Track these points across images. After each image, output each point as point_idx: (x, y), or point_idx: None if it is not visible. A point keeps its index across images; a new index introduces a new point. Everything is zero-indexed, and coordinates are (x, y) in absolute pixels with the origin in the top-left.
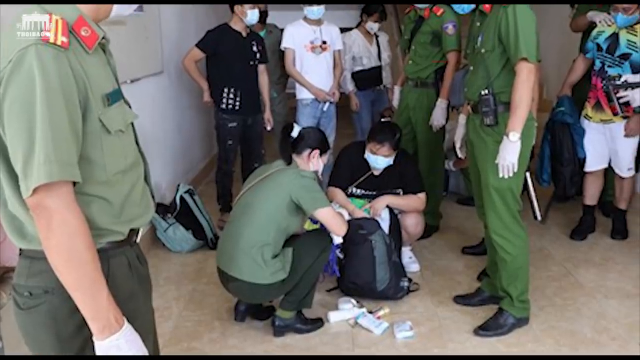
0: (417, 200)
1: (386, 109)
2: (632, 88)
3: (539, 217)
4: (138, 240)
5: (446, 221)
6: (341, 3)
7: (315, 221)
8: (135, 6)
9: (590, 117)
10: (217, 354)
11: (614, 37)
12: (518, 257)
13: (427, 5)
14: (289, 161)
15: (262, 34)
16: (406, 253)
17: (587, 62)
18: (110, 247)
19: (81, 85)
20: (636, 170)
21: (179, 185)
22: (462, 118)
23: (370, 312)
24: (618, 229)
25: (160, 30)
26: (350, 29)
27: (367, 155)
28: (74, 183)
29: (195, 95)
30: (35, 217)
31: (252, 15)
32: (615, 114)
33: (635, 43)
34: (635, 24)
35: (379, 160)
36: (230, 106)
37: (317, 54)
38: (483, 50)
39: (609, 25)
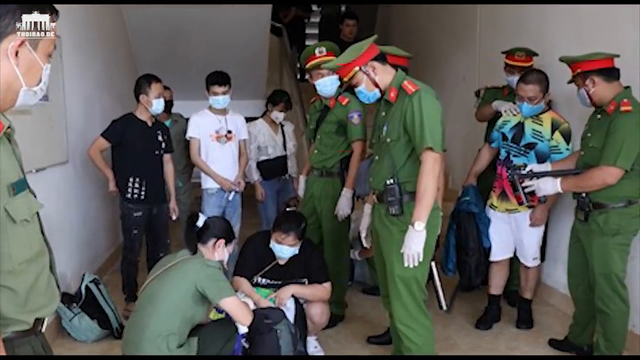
0: (323, 289)
1: (291, 198)
2: (538, 177)
3: (445, 307)
4: (43, 329)
5: (351, 310)
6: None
7: (220, 310)
8: (40, 95)
9: (496, 207)
10: None
11: (520, 126)
12: (423, 347)
13: (332, 95)
14: (194, 251)
15: (167, 123)
16: (312, 342)
17: (493, 151)
18: (16, 336)
19: None
20: (542, 260)
21: (84, 275)
22: (367, 207)
23: None
24: (523, 318)
25: (66, 119)
26: (255, 119)
27: (273, 244)
28: None
29: (101, 184)
30: None
31: (157, 104)
32: (520, 203)
33: (540, 132)
34: (541, 113)
35: (284, 249)
36: (135, 196)
37: (222, 144)
38: (388, 140)
39: (515, 115)
